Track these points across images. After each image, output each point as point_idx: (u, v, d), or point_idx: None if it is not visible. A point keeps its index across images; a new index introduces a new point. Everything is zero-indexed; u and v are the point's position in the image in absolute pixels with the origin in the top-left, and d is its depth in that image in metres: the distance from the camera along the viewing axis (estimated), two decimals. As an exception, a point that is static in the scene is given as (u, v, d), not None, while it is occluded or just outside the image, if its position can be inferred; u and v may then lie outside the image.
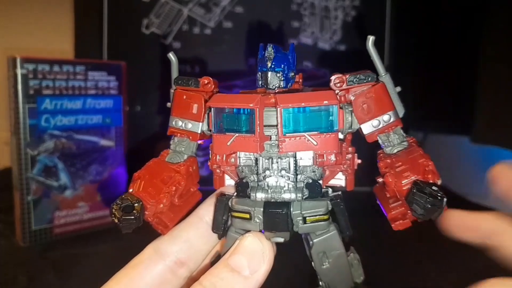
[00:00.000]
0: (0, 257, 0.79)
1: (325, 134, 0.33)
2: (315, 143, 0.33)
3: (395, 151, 0.36)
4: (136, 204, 0.33)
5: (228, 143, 0.33)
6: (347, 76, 0.34)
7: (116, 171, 0.92)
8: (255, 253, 0.31)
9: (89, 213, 0.89)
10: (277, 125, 0.33)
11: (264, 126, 0.33)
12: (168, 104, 0.39)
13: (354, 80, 0.34)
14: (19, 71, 0.78)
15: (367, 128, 0.35)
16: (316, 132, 0.33)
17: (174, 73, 0.38)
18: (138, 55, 1.12)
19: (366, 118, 0.35)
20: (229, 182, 0.38)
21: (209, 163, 0.37)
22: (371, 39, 0.35)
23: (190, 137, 0.37)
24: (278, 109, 0.32)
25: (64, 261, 0.78)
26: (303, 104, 0.32)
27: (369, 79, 0.35)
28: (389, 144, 0.36)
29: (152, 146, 1.15)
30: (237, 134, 0.33)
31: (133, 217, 0.33)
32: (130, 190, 0.35)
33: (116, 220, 0.33)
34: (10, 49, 0.96)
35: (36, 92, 0.80)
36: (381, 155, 0.36)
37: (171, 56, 0.38)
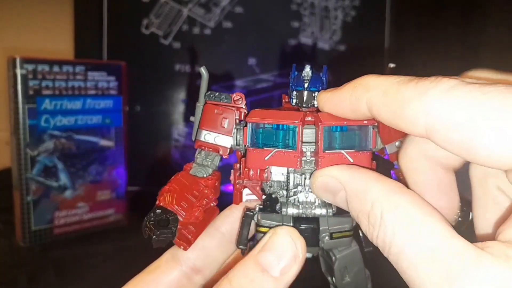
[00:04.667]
0: (0, 257, 0.80)
1: (360, 152, 0.34)
2: (351, 160, 0.33)
3: None
4: (171, 218, 0.33)
5: (266, 158, 0.34)
6: None
7: (116, 171, 0.92)
8: (287, 252, 0.29)
9: (89, 213, 0.89)
10: (316, 142, 0.34)
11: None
12: (192, 118, 0.39)
13: None
14: (18, 71, 0.78)
15: (391, 148, 0.36)
16: (352, 150, 0.34)
17: (204, 87, 0.38)
18: (138, 55, 1.12)
19: (391, 139, 0.36)
20: (247, 197, 0.39)
21: (231, 178, 0.37)
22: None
23: (219, 151, 0.37)
24: (321, 126, 0.33)
25: (64, 261, 0.78)
26: (345, 122, 0.33)
27: None
28: None
29: (152, 146, 1.16)
30: (276, 149, 0.34)
31: (170, 231, 0.32)
32: (160, 204, 0.34)
33: (152, 235, 0.32)
34: (10, 49, 0.96)
35: (35, 92, 0.80)
36: (399, 174, 0.37)
37: (203, 70, 0.37)
